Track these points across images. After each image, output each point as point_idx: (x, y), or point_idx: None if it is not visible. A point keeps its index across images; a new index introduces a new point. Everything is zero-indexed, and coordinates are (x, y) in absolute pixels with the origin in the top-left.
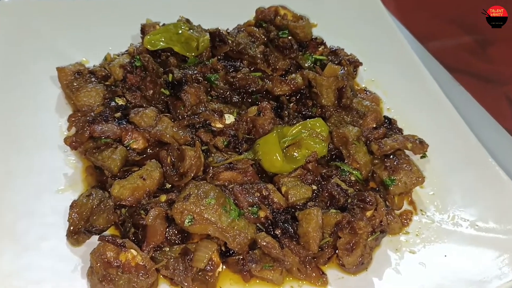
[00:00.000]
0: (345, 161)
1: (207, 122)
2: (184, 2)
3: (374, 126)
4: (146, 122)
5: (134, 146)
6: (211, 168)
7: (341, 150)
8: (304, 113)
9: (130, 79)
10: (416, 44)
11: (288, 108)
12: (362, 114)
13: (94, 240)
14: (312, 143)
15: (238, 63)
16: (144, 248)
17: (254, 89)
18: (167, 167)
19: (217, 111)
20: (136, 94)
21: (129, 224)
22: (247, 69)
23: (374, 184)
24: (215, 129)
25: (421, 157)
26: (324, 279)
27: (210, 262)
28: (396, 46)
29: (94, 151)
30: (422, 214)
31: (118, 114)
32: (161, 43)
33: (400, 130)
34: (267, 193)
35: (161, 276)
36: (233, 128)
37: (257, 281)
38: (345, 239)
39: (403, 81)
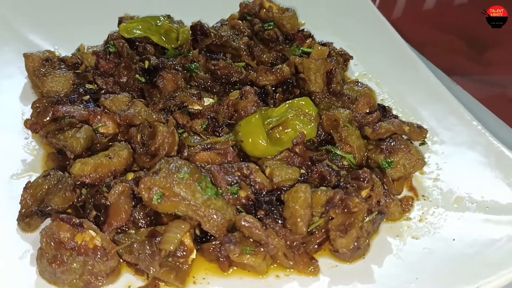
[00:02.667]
0: (337, 145)
1: (184, 104)
2: None
3: (367, 111)
4: (117, 106)
5: (103, 130)
6: (186, 148)
7: (331, 135)
8: None
9: (102, 65)
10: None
11: (274, 98)
12: (354, 99)
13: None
14: (299, 124)
15: (221, 57)
16: (105, 229)
17: (237, 79)
18: (137, 145)
19: (195, 94)
20: (108, 80)
21: (90, 206)
22: (230, 60)
23: None
24: (192, 111)
25: (420, 144)
26: (315, 266)
27: (182, 247)
28: (387, 38)
29: (56, 132)
30: (425, 199)
31: (86, 97)
32: (138, 31)
33: (396, 117)
34: (248, 172)
35: (125, 264)
36: (213, 110)
37: (237, 269)
38: (338, 220)
39: (396, 72)
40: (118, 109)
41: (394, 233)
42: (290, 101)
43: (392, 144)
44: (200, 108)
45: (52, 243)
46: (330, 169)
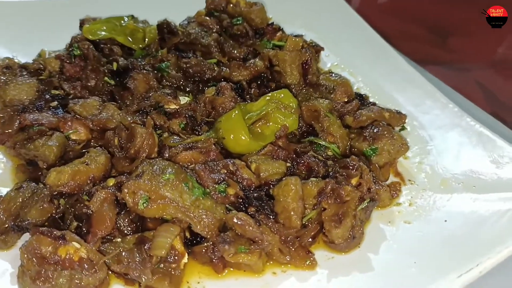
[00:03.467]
0: (319, 136)
1: (160, 104)
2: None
3: (346, 100)
4: (88, 111)
5: (75, 137)
6: (167, 149)
7: (313, 126)
8: None
9: (68, 70)
10: None
11: (250, 93)
12: (331, 89)
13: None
14: (281, 116)
15: (191, 55)
16: (89, 240)
17: (210, 76)
18: (115, 149)
19: (170, 93)
20: (75, 84)
21: (70, 216)
22: (201, 58)
23: None
24: (169, 110)
25: (400, 130)
26: (312, 259)
27: (172, 252)
28: (356, 28)
29: (25, 142)
30: (412, 183)
31: (54, 104)
32: (103, 32)
33: (374, 104)
34: (234, 169)
35: (113, 275)
36: (190, 109)
37: (232, 270)
38: (331, 210)
39: (368, 60)
40: (89, 114)
41: (386, 220)
42: (269, 94)
43: (374, 131)
44: (177, 107)
45: (34, 259)
46: (317, 160)
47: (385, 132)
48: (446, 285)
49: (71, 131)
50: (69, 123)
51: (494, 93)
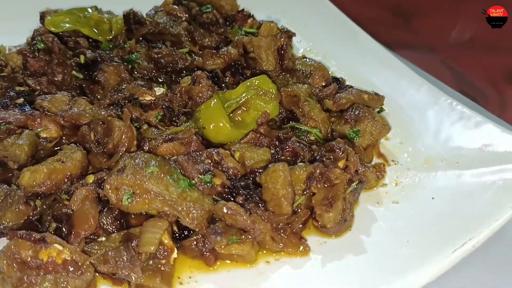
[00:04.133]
0: (300, 121)
1: (134, 96)
2: None
3: (324, 84)
4: (57, 107)
5: (45, 135)
6: (146, 141)
7: (293, 111)
8: None
9: (32, 65)
10: None
11: (225, 82)
12: (308, 73)
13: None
14: (261, 103)
15: (160, 45)
16: (72, 240)
17: (183, 66)
18: (91, 144)
19: (144, 85)
20: (41, 80)
21: (48, 218)
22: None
23: None
24: (144, 102)
25: (379, 111)
26: (305, 245)
27: (161, 248)
28: (326, 12)
29: None
30: (395, 164)
31: (20, 100)
32: (67, 24)
33: (351, 87)
34: (219, 158)
35: (100, 277)
36: (166, 100)
37: (226, 261)
38: (321, 194)
39: (340, 44)
40: (59, 110)
41: (374, 201)
42: (248, 80)
43: (356, 113)
44: (153, 98)
45: (14, 265)
46: (302, 145)
47: (366, 114)
48: (442, 261)
49: (41, 128)
50: (38, 120)
51: (460, 73)
